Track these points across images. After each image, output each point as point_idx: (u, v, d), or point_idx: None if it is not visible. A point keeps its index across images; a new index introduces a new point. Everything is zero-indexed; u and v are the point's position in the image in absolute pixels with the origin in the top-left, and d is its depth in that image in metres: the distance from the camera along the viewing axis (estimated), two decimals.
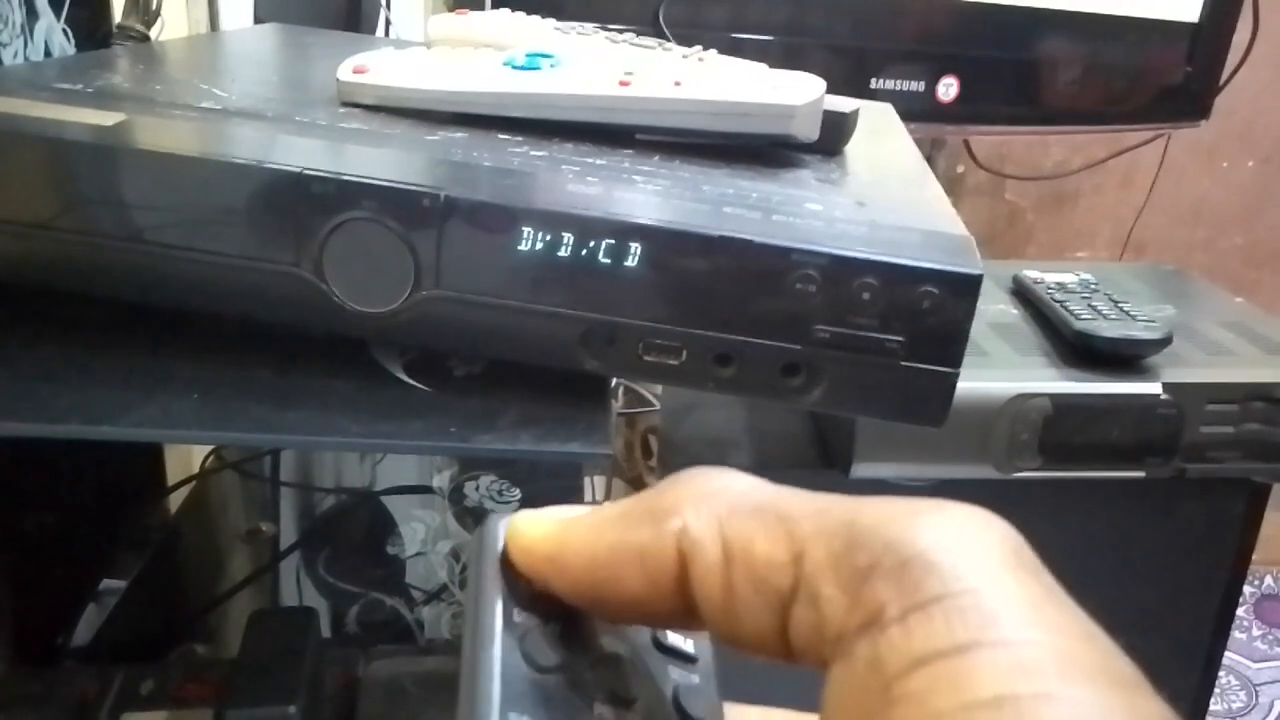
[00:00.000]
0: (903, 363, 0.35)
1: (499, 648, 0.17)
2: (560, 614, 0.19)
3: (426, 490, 0.82)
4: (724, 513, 0.17)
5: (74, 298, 0.37)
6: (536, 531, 0.19)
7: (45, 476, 0.60)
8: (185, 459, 0.80)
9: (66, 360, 0.37)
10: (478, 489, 0.79)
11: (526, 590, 0.19)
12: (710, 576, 0.17)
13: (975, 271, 0.34)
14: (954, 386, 0.35)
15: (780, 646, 0.17)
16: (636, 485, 0.98)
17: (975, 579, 0.15)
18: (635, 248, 0.34)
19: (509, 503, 0.78)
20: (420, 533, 0.77)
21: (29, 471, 0.57)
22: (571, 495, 0.81)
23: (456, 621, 0.68)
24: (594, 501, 0.96)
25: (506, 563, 0.19)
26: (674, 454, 0.65)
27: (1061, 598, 0.16)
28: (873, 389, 0.35)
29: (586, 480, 0.91)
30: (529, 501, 0.78)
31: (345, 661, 0.55)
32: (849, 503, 0.17)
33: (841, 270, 0.34)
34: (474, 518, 0.77)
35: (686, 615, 0.18)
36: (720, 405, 0.67)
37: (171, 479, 0.78)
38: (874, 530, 0.16)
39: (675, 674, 0.19)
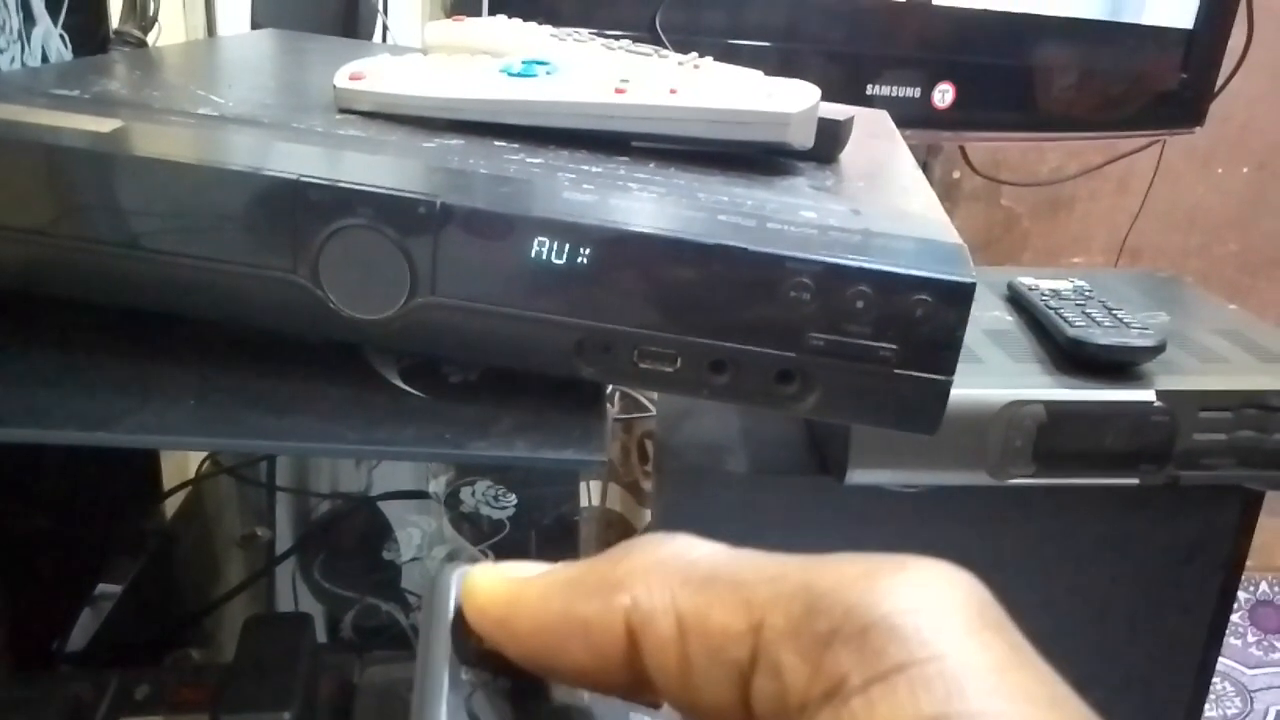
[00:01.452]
0: (896, 370, 0.35)
1: (444, 708, 0.17)
2: (513, 668, 0.18)
3: (422, 495, 0.82)
4: (677, 584, 0.17)
5: (70, 304, 0.37)
6: (488, 591, 0.19)
7: (41, 481, 0.60)
8: (181, 464, 0.80)
9: (63, 366, 0.37)
10: (474, 494, 0.79)
11: (478, 645, 0.19)
12: (665, 650, 0.16)
13: (968, 280, 0.34)
14: (947, 394, 0.35)
15: (742, 717, 0.16)
16: (632, 490, 0.98)
17: (939, 644, 0.14)
18: (630, 255, 0.34)
19: (505, 508, 0.78)
20: (416, 538, 0.77)
21: (25, 476, 0.57)
22: (568, 500, 0.81)
23: None
24: (590, 505, 0.96)
25: (460, 617, 0.19)
26: (669, 459, 0.65)
27: (1029, 658, 0.15)
28: (866, 397, 0.36)
29: (582, 485, 0.91)
30: (524, 506, 0.78)
31: (340, 667, 0.55)
32: (807, 565, 0.16)
33: (835, 278, 0.34)
34: (470, 523, 0.77)
35: (638, 687, 0.17)
36: (716, 411, 0.67)
37: (167, 484, 0.78)
38: (833, 594, 0.15)
39: None
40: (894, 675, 0.14)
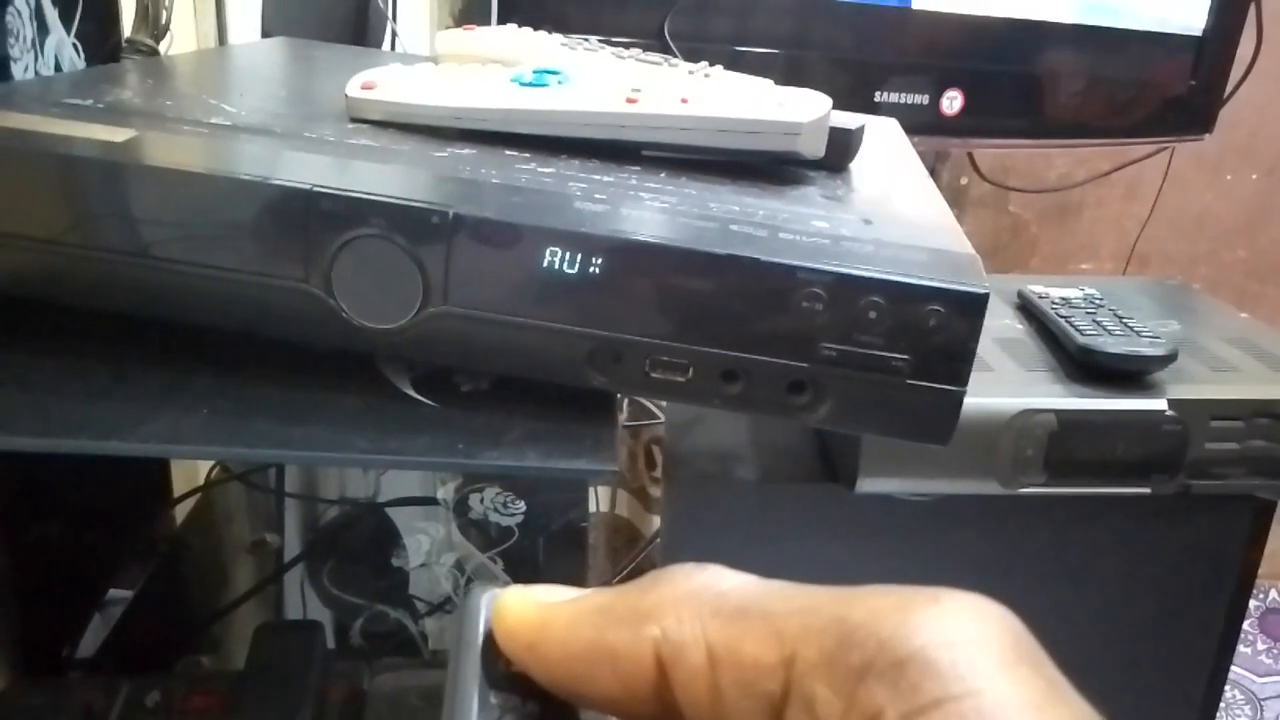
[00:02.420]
0: (909, 381, 0.35)
1: None
2: (542, 693, 0.18)
3: (431, 502, 0.82)
4: (707, 615, 0.17)
5: (83, 312, 0.37)
6: (519, 615, 0.19)
7: (52, 487, 0.60)
8: (191, 470, 0.80)
9: (75, 375, 0.37)
10: (482, 501, 0.79)
11: (507, 668, 0.19)
12: (696, 682, 0.16)
13: (981, 290, 0.34)
14: (960, 405, 0.35)
15: None
16: (640, 496, 0.98)
17: (975, 680, 0.14)
18: (641, 266, 0.34)
19: (513, 514, 0.78)
20: (425, 544, 0.77)
21: (36, 482, 0.57)
22: (576, 507, 0.81)
23: None
24: (597, 511, 0.96)
25: (490, 640, 0.19)
26: (679, 467, 0.65)
27: (1065, 693, 0.15)
28: (879, 407, 0.35)
29: (590, 491, 0.91)
30: (533, 513, 0.78)
31: (350, 674, 0.55)
32: (839, 597, 0.16)
33: (848, 289, 0.34)
34: (479, 529, 0.77)
35: (667, 718, 0.17)
36: (725, 418, 0.67)
37: (177, 490, 0.79)
38: (866, 627, 0.15)
39: None
40: (930, 710, 0.14)
